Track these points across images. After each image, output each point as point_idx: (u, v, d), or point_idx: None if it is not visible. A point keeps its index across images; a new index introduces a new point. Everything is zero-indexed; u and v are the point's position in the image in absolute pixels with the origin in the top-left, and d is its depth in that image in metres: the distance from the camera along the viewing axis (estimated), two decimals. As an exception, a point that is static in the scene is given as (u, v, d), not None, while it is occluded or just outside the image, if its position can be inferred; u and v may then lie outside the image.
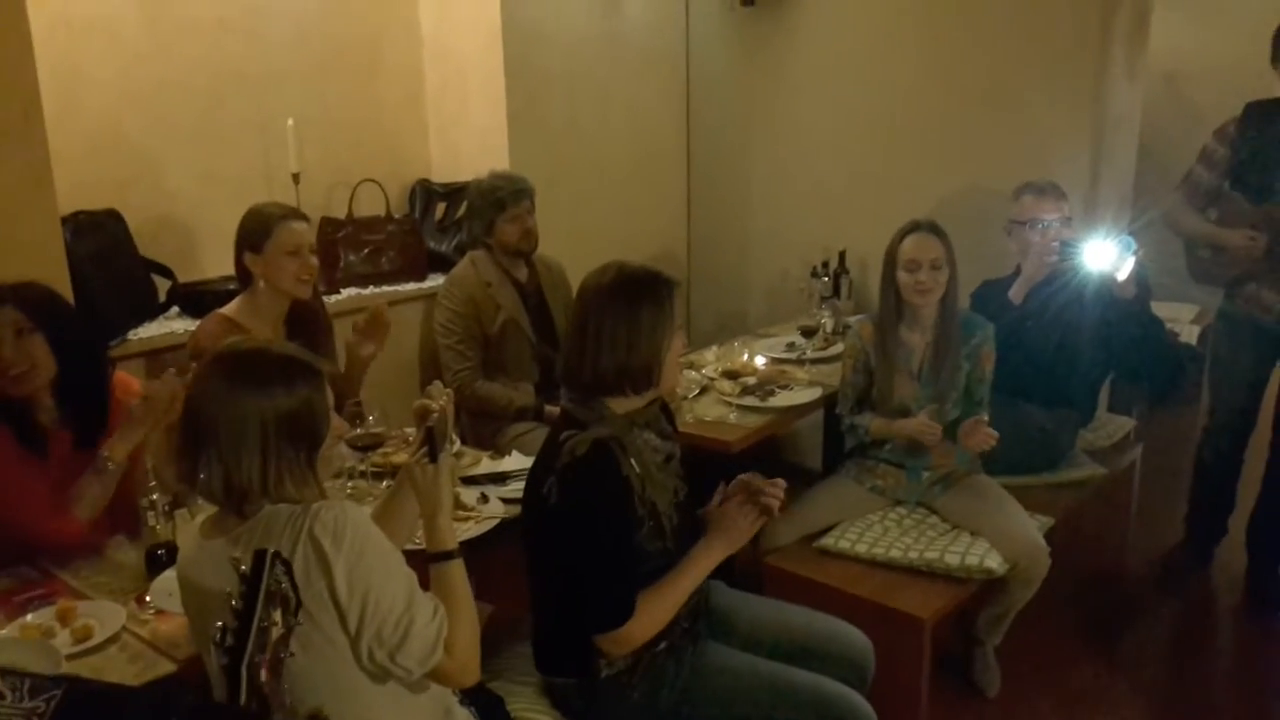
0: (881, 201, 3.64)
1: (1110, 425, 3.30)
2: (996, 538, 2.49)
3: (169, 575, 1.79)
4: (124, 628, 1.69)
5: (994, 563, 2.42)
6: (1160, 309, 3.04)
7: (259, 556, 0.86)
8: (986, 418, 2.53)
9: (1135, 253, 2.67)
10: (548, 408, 3.01)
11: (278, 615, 0.82)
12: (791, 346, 3.37)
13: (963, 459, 2.66)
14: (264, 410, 1.40)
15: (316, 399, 1.46)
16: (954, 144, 3.58)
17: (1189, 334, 4.21)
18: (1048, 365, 2.89)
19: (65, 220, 2.51)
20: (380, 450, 2.27)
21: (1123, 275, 2.70)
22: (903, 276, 2.58)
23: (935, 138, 3.63)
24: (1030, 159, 3.31)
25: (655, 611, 1.80)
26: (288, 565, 0.85)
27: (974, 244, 2.89)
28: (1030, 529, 2.54)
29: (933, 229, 2.57)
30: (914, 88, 3.66)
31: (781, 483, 1.93)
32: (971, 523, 2.57)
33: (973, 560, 2.42)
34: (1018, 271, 2.92)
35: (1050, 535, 2.60)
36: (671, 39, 4.17)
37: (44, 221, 2.34)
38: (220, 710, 1.17)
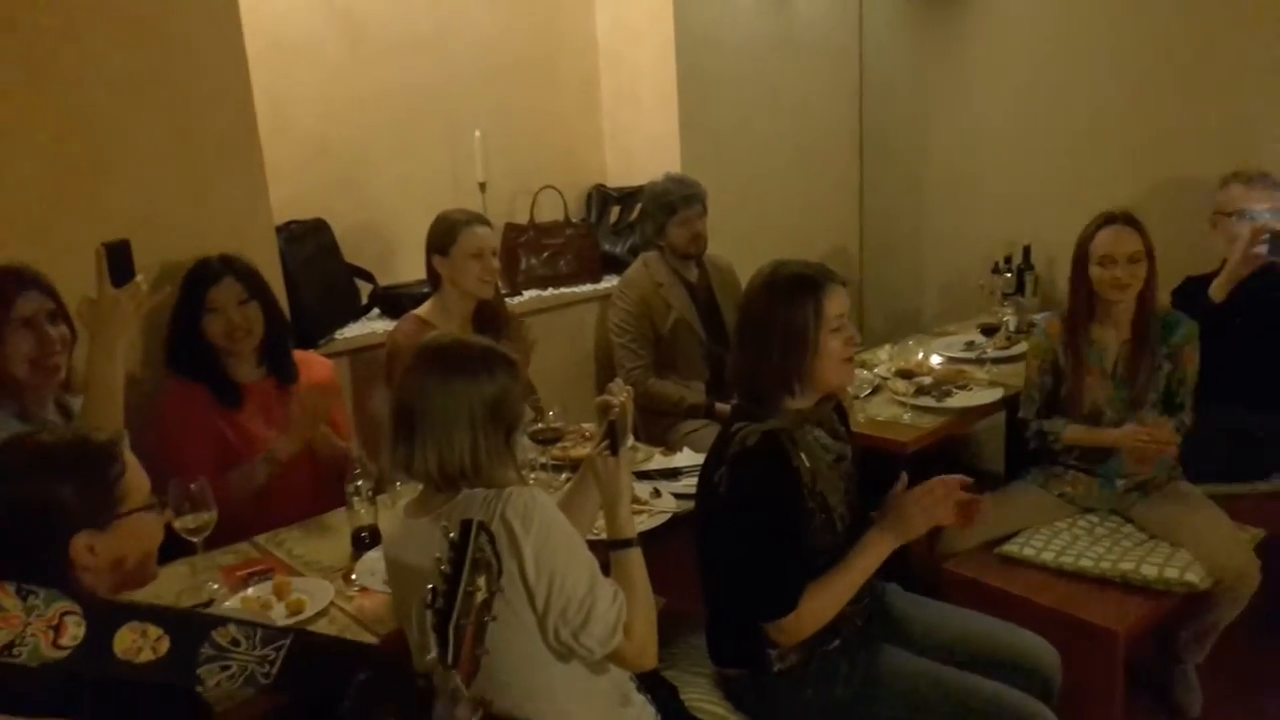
0: (1070, 194, 3.47)
1: (1331, 432, 3.02)
2: (1199, 549, 2.33)
3: (372, 555, 1.94)
4: (332, 603, 1.83)
5: (1195, 576, 2.27)
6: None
7: (465, 526, 0.94)
8: (1174, 424, 2.37)
9: (1358, 245, 2.45)
10: (718, 405, 3.04)
11: (481, 581, 0.90)
12: (970, 345, 3.27)
13: (1162, 465, 2.50)
14: (472, 396, 1.51)
15: (513, 386, 1.57)
16: (1151, 131, 3.37)
17: None
18: (1256, 366, 2.68)
19: (279, 230, 2.74)
20: (559, 444, 2.36)
21: (1343, 269, 2.48)
22: (1096, 271, 2.44)
23: (1130, 124, 3.43)
24: (1237, 146, 3.09)
25: (824, 600, 1.79)
26: (491, 535, 0.93)
27: (1175, 238, 2.72)
28: (1238, 541, 2.37)
29: (1129, 220, 2.43)
30: (1105, 71, 3.47)
31: (989, 503, 1.88)
32: (1172, 533, 2.41)
33: (1172, 572, 2.27)
34: (1223, 267, 2.73)
35: (1260, 548, 2.41)
36: (844, 36, 4.12)
37: (262, 232, 2.57)
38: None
